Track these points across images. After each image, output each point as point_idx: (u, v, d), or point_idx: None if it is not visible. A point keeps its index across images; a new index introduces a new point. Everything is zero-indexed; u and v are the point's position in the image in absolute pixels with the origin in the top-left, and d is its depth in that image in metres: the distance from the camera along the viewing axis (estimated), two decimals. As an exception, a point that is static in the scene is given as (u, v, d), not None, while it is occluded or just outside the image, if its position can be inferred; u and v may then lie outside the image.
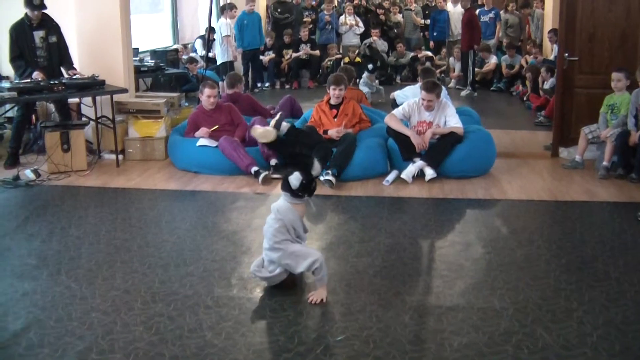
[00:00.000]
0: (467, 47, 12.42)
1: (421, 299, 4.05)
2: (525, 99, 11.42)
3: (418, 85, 7.32)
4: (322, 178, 6.38)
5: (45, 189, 6.65)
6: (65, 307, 3.96)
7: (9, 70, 7.96)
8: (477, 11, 13.69)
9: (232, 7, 12.18)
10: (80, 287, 4.24)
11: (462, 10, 14.23)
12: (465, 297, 4.07)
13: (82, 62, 7.90)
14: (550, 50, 12.23)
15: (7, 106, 7.51)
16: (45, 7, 7.29)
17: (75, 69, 7.55)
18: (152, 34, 12.81)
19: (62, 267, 4.59)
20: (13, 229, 5.47)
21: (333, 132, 6.86)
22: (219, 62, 12.20)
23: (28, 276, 4.46)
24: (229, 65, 11.92)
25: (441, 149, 6.60)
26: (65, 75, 7.43)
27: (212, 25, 10.42)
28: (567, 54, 7.45)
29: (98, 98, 7.55)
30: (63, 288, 4.25)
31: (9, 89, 6.80)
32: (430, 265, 4.62)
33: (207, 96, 7.24)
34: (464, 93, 12.35)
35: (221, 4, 13.07)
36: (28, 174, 6.90)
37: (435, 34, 14.74)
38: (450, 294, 4.12)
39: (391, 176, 6.57)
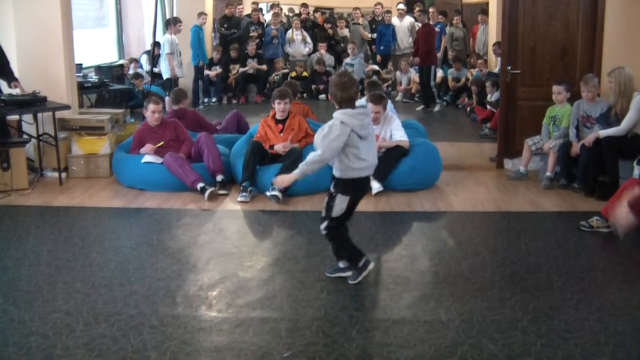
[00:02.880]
0: (425, 62, 12.45)
1: (368, 313, 4.06)
2: (470, 111, 11.57)
3: (364, 99, 7.34)
4: (268, 194, 6.36)
5: (-16, 209, 6.48)
6: (2, 332, 3.83)
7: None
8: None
9: (177, 21, 12.06)
10: (19, 311, 4.11)
11: (409, 24, 14.43)
12: (411, 309, 4.08)
13: (24, 78, 7.72)
14: (495, 64, 12.42)
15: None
16: None
17: (17, 80, 7.36)
18: (97, 50, 12.63)
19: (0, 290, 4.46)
20: (-51, 250, 5.31)
21: (279, 147, 6.84)
22: (164, 77, 12.07)
23: (-36, 299, 4.33)
24: (173, 81, 11.80)
25: (387, 162, 6.64)
26: (7, 89, 7.25)
27: (157, 40, 10.32)
28: (509, 68, 7.58)
29: (40, 115, 7.40)
30: (0, 312, 4.12)
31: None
32: (376, 279, 4.62)
33: (151, 112, 7.16)
34: (436, 108, 12.38)
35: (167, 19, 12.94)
36: (-35, 193, 6.72)
37: (381, 47, 14.86)
38: (396, 307, 4.12)
39: (337, 190, 6.56)
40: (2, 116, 7.26)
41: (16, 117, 7.56)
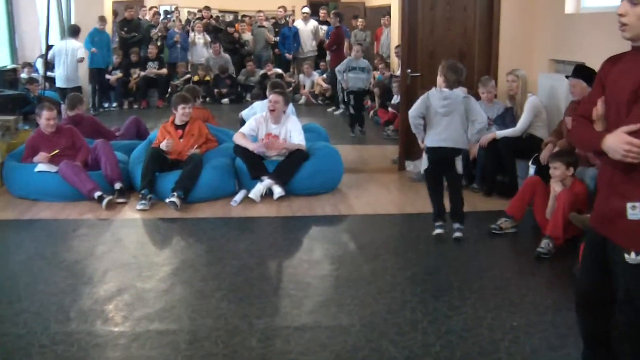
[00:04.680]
0: (336, 64, 12.45)
1: (268, 320, 4.00)
2: (373, 114, 11.68)
3: (266, 100, 7.31)
4: (167, 200, 6.23)
5: None
6: None
7: None
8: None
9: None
10: None
11: (313, 27, 14.47)
12: (312, 315, 4.06)
13: None
14: (397, 66, 12.59)
15: None
16: None
17: None
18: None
19: None
20: None
21: (164, 144, 6.71)
22: (61, 85, 11.60)
23: None
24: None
25: (288, 166, 6.61)
26: None
27: (51, 43, 9.97)
28: (409, 71, 7.68)
29: None
30: None
31: None
32: (277, 285, 4.59)
33: (45, 119, 6.87)
34: (337, 112, 12.41)
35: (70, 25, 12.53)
36: None
37: (285, 50, 14.84)
38: (297, 313, 4.09)
39: (239, 196, 6.50)
40: None
41: None
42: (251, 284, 4.51)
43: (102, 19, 12.58)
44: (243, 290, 4.41)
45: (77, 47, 11.43)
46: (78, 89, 11.07)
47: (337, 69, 10.81)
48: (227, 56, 14.37)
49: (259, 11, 15.71)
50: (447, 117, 5.28)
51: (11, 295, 4.37)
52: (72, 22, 14.01)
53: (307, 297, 4.32)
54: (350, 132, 10.28)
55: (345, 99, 11.02)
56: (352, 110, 10.49)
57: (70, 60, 11.32)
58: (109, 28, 13.89)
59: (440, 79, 5.37)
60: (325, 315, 4.06)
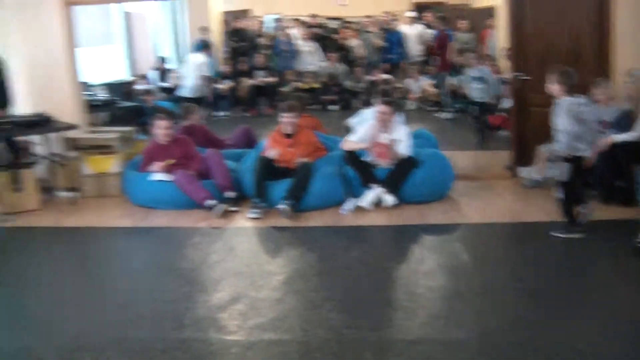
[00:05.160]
0: (442, 69, 12.37)
1: (381, 333, 3.94)
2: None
3: (373, 109, 7.26)
4: (278, 206, 6.29)
5: (-4, 232, 6.45)
6: (14, 358, 3.79)
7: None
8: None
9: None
10: (32, 337, 4.07)
11: (418, 31, 14.35)
12: (425, 328, 3.97)
13: (30, 99, 7.71)
14: (506, 68, 12.28)
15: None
16: None
17: (3, 110, 7.25)
18: (106, 67, 12.65)
19: (14, 316, 4.45)
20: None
21: (272, 153, 6.76)
22: (185, 95, 12.18)
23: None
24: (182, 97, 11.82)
25: (398, 174, 6.54)
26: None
27: (163, 55, 10.33)
28: (519, 74, 7.46)
29: (50, 135, 7.38)
30: (14, 338, 4.08)
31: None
32: (389, 296, 4.52)
33: (159, 128, 7.09)
34: (444, 116, 12.29)
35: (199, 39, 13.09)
36: (-22, 216, 6.69)
37: (391, 56, 14.76)
38: (410, 326, 4.01)
39: (349, 204, 6.47)
40: (9, 137, 7.23)
41: (25, 138, 7.54)
42: (363, 295, 4.47)
43: (204, 29, 12.92)
44: (354, 300, 4.38)
45: (202, 61, 12.21)
46: (201, 99, 11.76)
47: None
48: (342, 67, 14.40)
49: (367, 16, 15.68)
50: (583, 124, 5.17)
51: (132, 301, 4.52)
52: (187, 35, 14.52)
53: (420, 309, 4.24)
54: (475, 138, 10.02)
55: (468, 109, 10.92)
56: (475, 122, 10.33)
57: (196, 72, 12.10)
58: (218, 38, 14.26)
59: (556, 87, 5.23)
60: (439, 328, 3.96)
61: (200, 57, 12.48)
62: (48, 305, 4.54)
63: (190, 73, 12.39)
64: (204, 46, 12.77)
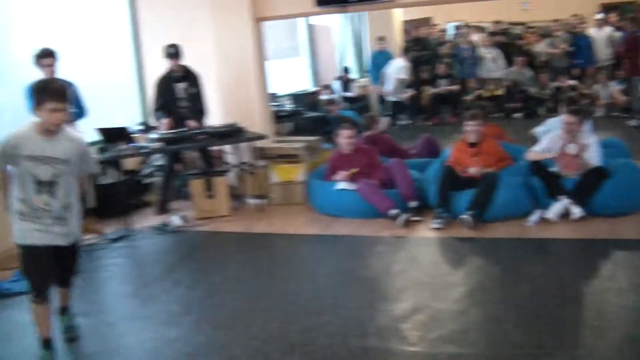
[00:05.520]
0: (631, 73, 11.67)
1: (569, 353, 3.76)
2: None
3: (559, 117, 7.02)
4: (461, 217, 6.23)
5: (190, 235, 6.90)
6: (207, 356, 4.06)
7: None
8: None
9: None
10: (221, 335, 4.32)
11: (607, 34, 13.64)
12: (619, 351, 3.76)
13: (223, 110, 8.17)
14: None
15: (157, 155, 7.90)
16: (179, 57, 7.57)
17: (199, 122, 7.72)
18: (291, 78, 13.14)
19: (204, 315, 4.72)
20: (161, 274, 5.70)
21: (473, 170, 6.67)
22: (389, 99, 12.90)
23: (173, 323, 4.61)
24: (365, 106, 12.06)
25: (588, 185, 6.24)
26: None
27: (346, 65, 10.56)
28: None
29: (240, 145, 7.79)
30: (205, 336, 4.35)
31: (157, 140, 7.16)
32: (577, 314, 4.32)
33: (343, 138, 7.27)
34: (635, 123, 11.63)
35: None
36: (176, 220, 7.19)
37: (578, 61, 14.12)
38: (601, 347, 3.82)
39: (535, 216, 6.28)
40: (205, 147, 7.72)
41: (218, 148, 8.02)
42: (548, 311, 4.31)
43: (381, 39, 13.05)
44: (540, 316, 4.23)
45: (402, 65, 12.88)
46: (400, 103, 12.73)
47: None
48: (529, 72, 14.01)
49: (555, 20, 15.13)
50: None
51: (317, 307, 4.66)
52: (367, 45, 14.81)
53: (611, 329, 4.02)
54: None
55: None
56: None
57: (395, 76, 12.83)
58: (399, 48, 14.36)
59: None
60: (633, 351, 3.74)
61: (400, 62, 12.99)
62: (235, 307, 4.80)
63: (391, 77, 12.92)
64: (405, 50, 13.44)
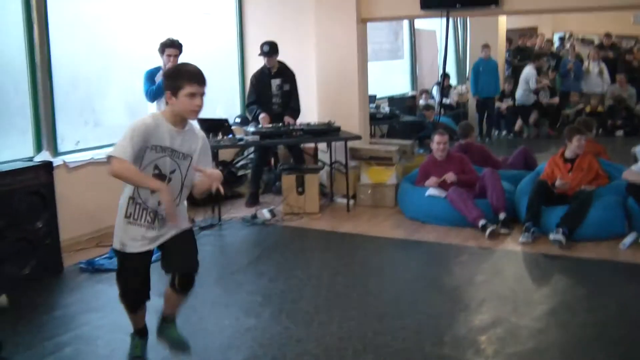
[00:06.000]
0: None
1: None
2: None
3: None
4: (551, 237, 6.10)
5: (278, 229, 7.02)
6: (281, 347, 4.13)
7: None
8: None
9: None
10: (298, 329, 4.39)
11: None
12: None
13: (320, 109, 8.27)
14: None
15: (251, 148, 8.07)
16: (274, 54, 7.70)
17: (294, 119, 7.84)
18: (391, 81, 13.13)
19: (283, 307, 4.80)
20: (246, 265, 5.85)
21: (559, 182, 6.50)
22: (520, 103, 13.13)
23: (253, 312, 4.72)
24: (462, 114, 11.94)
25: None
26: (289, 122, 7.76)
27: (446, 71, 10.49)
28: None
29: (333, 144, 7.88)
30: (282, 328, 4.43)
31: (253, 133, 7.32)
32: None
33: (436, 143, 7.22)
34: None
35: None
36: (265, 213, 7.34)
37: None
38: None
39: (629, 239, 6.07)
40: (298, 144, 7.83)
41: (312, 145, 8.12)
42: (634, 339, 4.15)
43: (485, 47, 12.86)
44: (623, 344, 4.08)
45: (529, 72, 13.08)
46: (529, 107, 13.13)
47: None
48: (632, 90, 13.55)
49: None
50: None
51: (395, 310, 4.68)
52: (468, 52, 14.67)
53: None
54: None
55: None
56: None
57: (523, 82, 13.15)
58: (501, 56, 14.14)
59: None
60: None
61: (528, 69, 13.09)
62: (315, 302, 4.86)
63: (521, 83, 13.13)
64: (534, 57, 13.59)
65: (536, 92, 13.24)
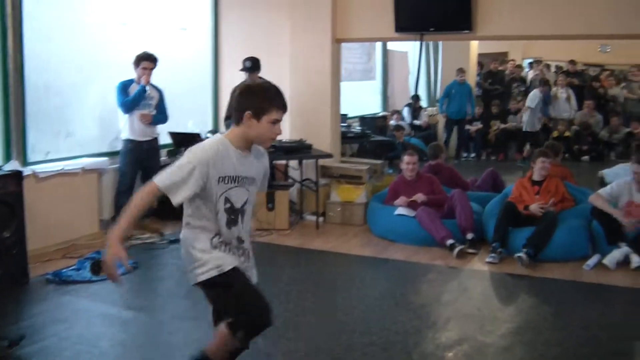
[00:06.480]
0: None
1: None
2: None
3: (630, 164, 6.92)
4: (516, 255, 6.20)
5: (248, 245, 7.01)
6: (250, 363, 4.13)
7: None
8: None
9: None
10: (266, 344, 4.38)
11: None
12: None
13: (293, 126, 8.30)
14: None
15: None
16: (256, 70, 7.73)
17: None
18: (363, 101, 13.24)
19: (253, 323, 4.79)
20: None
21: (535, 207, 6.63)
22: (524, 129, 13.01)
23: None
24: (432, 136, 12.05)
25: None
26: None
27: (417, 93, 10.62)
28: None
29: (304, 161, 7.92)
30: (250, 343, 4.41)
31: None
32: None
33: (406, 163, 7.30)
34: None
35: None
36: (234, 228, 7.32)
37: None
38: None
39: (593, 260, 6.20)
40: (270, 161, 7.85)
41: (283, 162, 8.16)
42: (597, 359, 4.27)
43: (460, 71, 13.06)
44: (587, 361, 4.20)
45: (534, 96, 13.06)
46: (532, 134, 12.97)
47: None
48: (599, 116, 13.84)
49: (634, 65, 14.88)
50: None
51: (364, 327, 4.70)
52: (439, 74, 14.85)
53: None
54: None
55: None
56: None
57: (529, 107, 13.04)
58: (472, 79, 14.35)
59: None
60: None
61: (535, 93, 13.11)
62: (284, 318, 4.84)
63: (527, 108, 13.08)
64: (543, 83, 13.63)
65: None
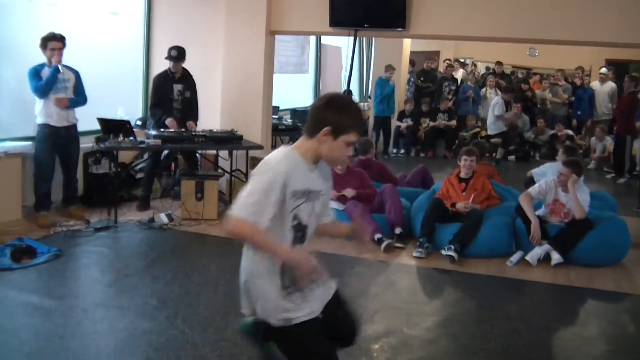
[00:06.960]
0: (624, 132, 11.69)
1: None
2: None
3: (557, 163, 7.13)
4: (443, 252, 6.31)
5: (176, 234, 6.95)
6: (176, 351, 4.09)
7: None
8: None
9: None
10: (193, 333, 4.36)
11: (609, 89, 13.80)
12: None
13: (224, 116, 8.24)
14: None
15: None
16: (181, 59, 7.66)
17: (195, 124, 7.84)
18: (295, 93, 13.23)
19: (179, 312, 4.75)
20: (141, 268, 5.75)
21: (461, 205, 6.77)
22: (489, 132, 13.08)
23: (148, 316, 4.66)
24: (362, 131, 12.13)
25: (571, 234, 6.34)
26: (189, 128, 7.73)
27: (350, 88, 10.64)
28: None
29: (235, 152, 7.87)
30: (177, 332, 4.39)
31: (155, 137, 7.21)
32: (545, 357, 4.40)
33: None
34: (621, 180, 11.74)
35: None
36: (162, 217, 7.25)
37: (579, 112, 14.32)
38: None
39: (515, 257, 6.38)
40: (200, 150, 7.77)
41: (213, 152, 8.09)
42: (518, 350, 4.39)
43: (390, 68, 13.20)
44: (509, 354, 4.31)
45: (495, 101, 12.99)
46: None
47: None
48: (526, 118, 14.20)
49: (559, 70, 15.34)
50: None
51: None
52: (372, 70, 14.94)
53: (576, 374, 4.11)
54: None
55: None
56: None
57: (492, 111, 13.03)
58: (404, 76, 14.53)
59: None
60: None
61: (495, 98, 13.19)
62: (211, 308, 4.84)
63: (489, 112, 13.11)
64: (504, 89, 13.90)
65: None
